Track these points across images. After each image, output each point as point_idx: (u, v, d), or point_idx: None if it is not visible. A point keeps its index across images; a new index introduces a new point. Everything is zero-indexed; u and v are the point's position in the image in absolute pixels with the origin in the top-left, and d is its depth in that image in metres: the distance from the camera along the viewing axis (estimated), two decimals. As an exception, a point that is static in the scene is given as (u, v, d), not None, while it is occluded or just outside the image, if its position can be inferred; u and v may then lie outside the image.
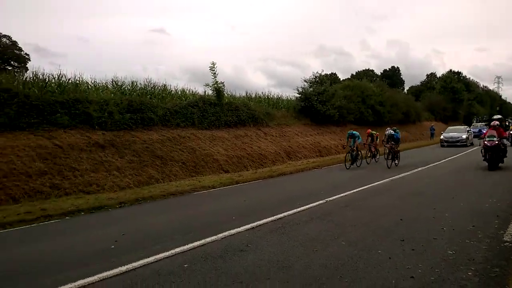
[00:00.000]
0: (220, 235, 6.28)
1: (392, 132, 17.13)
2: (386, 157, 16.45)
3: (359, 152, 17.48)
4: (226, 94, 22.09)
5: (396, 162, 16.63)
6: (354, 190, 10.50)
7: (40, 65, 48.77)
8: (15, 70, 33.99)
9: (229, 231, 6.50)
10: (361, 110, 31.29)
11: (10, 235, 7.18)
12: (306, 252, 5.34)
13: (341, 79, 57.08)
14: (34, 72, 15.67)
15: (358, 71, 73.28)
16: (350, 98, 30.62)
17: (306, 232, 6.43)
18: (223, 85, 20.63)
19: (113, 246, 5.93)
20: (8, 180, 10.34)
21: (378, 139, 19.36)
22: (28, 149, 11.55)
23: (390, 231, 6.34)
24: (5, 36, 42.01)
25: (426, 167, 16.07)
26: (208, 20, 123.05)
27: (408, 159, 19.36)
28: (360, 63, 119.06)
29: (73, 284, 4.40)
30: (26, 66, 39.08)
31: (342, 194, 9.90)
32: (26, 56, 43.58)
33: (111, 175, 12.48)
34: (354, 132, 17.40)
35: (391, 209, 8.09)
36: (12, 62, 41.12)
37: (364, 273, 4.52)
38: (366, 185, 11.33)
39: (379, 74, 73.40)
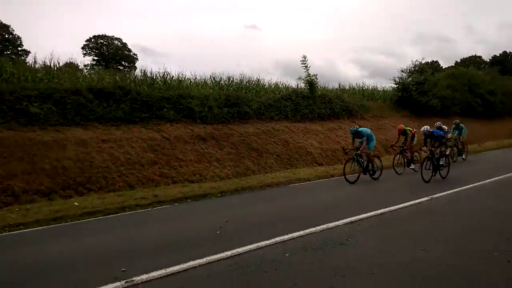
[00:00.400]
0: (318, 228, 6.30)
1: (428, 128, 11.69)
2: (422, 166, 11.29)
3: (374, 159, 12.31)
4: (318, 87, 21.90)
5: (441, 173, 11.47)
6: (467, 186, 9.71)
7: (146, 64, 53.72)
8: (126, 69, 37.70)
9: (327, 224, 6.49)
10: (468, 100, 28.59)
11: (131, 218, 8.07)
12: (411, 250, 5.11)
13: (444, 67, 52.60)
14: (143, 71, 17.29)
15: (463, 58, 66.56)
16: (454, 87, 28.20)
17: (410, 229, 6.16)
18: (316, 78, 20.50)
19: (218, 232, 6.32)
20: (125, 168, 11.60)
21: (415, 140, 14.03)
22: (141, 141, 12.80)
23: (506, 233, 5.76)
24: (117, 39, 46.92)
25: (485, 181, 10.73)
26: (298, 13, 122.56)
27: (472, 166, 14.88)
28: (465, 49, 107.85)
29: (185, 265, 4.78)
30: (135, 65, 43.18)
31: (449, 192, 9.25)
32: (135, 56, 48.16)
33: (212, 166, 13.25)
34: (362, 129, 12.23)
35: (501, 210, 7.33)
36: (123, 62, 45.73)
37: (479, 275, 4.20)
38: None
39: (488, 60, 65.99)
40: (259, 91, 20.14)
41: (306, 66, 20.03)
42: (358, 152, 11.60)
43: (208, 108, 15.72)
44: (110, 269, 4.71)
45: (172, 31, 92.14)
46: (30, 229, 7.20)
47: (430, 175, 10.97)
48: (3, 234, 6.96)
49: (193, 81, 18.81)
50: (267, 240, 5.66)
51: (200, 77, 19.58)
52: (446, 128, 14.65)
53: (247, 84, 20.42)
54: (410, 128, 14.00)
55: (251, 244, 5.49)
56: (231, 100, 16.80)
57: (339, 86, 26.09)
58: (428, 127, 11.77)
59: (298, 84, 21.53)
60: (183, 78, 18.25)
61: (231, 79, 20.07)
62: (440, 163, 11.40)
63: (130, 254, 5.39)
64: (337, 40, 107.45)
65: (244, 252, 5.22)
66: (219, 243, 5.66)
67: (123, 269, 4.66)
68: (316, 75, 20.42)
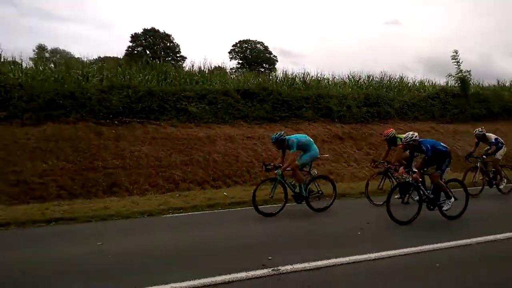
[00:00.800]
0: (474, 240, 5.67)
1: (414, 136, 7.15)
2: (390, 197, 6.93)
3: (320, 181, 8.52)
4: (472, 84, 19.67)
5: (445, 210, 7.12)
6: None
7: (285, 65, 55.89)
8: (266, 71, 39.69)
9: (484, 237, 5.78)
10: None
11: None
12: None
13: None
14: (284, 72, 18.08)
15: None
16: None
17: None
18: (469, 74, 18.47)
19: (359, 233, 6.24)
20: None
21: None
22: (281, 139, 13.40)
23: None
24: (259, 42, 49.72)
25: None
26: (445, 3, 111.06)
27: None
28: None
29: (328, 261, 4.80)
30: (275, 67, 45.09)
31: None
32: (274, 58, 50.36)
33: (349, 165, 13.11)
34: (291, 137, 8.23)
35: None
36: (264, 64, 48.24)
37: None
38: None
39: None
40: (402, 89, 19.11)
41: (457, 62, 18.26)
42: (278, 171, 7.84)
43: (346, 107, 15.59)
44: (258, 256, 5.01)
45: (309, 31, 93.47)
46: (189, 213, 8.22)
47: (416, 211, 6.92)
48: (168, 215, 8.11)
49: (332, 81, 18.91)
50: (413, 247, 5.33)
51: (338, 76, 19.59)
52: (494, 137, 10.19)
53: (388, 82, 19.57)
54: (404, 136, 8.13)
55: (394, 249, 5.26)
56: (371, 99, 16.33)
57: (498, 83, 22.99)
58: (415, 134, 7.24)
59: (447, 82, 19.74)
60: (321, 78, 18.53)
61: (371, 78, 19.52)
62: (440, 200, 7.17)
63: (275, 244, 5.72)
64: (492, 32, 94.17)
65: (388, 257, 5.03)
66: (361, 244, 5.57)
67: (269, 257, 4.92)
68: (469, 71, 18.41)
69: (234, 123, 13.78)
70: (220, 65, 20.49)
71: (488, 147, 10.19)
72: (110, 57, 21.80)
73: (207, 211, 8.42)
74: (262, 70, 40.87)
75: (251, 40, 49.57)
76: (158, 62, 18.83)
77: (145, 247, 5.69)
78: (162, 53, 42.43)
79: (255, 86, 15.57)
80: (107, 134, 11.89)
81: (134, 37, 45.02)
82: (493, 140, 10.11)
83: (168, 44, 46.54)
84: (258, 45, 49.68)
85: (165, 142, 12.15)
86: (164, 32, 46.01)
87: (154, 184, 10.81)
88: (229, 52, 49.96)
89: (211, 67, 18.39)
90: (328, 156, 12.16)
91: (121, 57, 25.67)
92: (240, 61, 48.13)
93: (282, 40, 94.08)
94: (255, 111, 14.37)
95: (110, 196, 10.02)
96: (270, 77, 19.29)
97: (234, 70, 29.34)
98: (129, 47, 44.44)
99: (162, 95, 13.51)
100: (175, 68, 17.93)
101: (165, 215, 8.08)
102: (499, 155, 10.00)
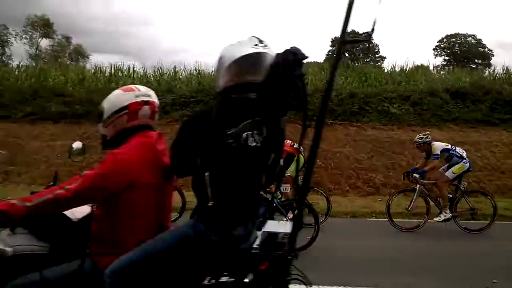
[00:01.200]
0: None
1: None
2: None
3: None
4: None
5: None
6: None
7: (505, 60, 46.91)
8: (479, 67, 34.78)
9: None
10: None
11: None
12: None
13: None
14: (505, 68, 15.59)
15: None
16: None
17: None
18: None
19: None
20: (482, 174, 10.83)
21: (301, 163, 4.57)
22: (501, 145, 11.66)
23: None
24: (471, 35, 43.92)
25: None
26: None
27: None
28: None
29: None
30: (490, 62, 39.02)
31: None
32: (489, 52, 43.61)
33: None
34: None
35: None
36: (475, 59, 42.39)
37: None
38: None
39: None
40: None
41: None
42: None
43: None
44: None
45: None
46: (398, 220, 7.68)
47: None
48: (372, 219, 8.04)
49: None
50: None
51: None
52: (442, 147, 7.06)
53: None
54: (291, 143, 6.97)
55: None
56: None
57: None
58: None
59: None
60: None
61: None
62: None
63: None
64: None
65: None
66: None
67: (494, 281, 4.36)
68: None
69: (443, 126, 12.58)
70: (424, 64, 19.13)
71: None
72: (312, 62, 23.03)
73: (413, 219, 7.78)
74: (474, 66, 35.99)
75: (461, 34, 44.27)
76: (358, 64, 18.85)
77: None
78: (361, 54, 42.27)
79: (468, 85, 13.96)
80: (311, 135, 12.58)
81: (333, 42, 46.23)
82: (437, 152, 6.98)
83: (367, 45, 46.06)
84: (469, 39, 43.95)
85: (366, 144, 12.06)
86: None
87: (354, 186, 10.89)
88: (434, 49, 45.90)
89: (414, 66, 17.35)
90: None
91: (322, 61, 26.73)
92: (447, 58, 43.56)
93: (500, 31, 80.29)
94: (468, 113, 12.84)
95: (312, 194, 10.56)
96: (486, 74, 16.90)
97: (439, 68, 26.73)
98: (329, 51, 46.01)
99: (363, 97, 13.49)
100: (375, 69, 17.65)
101: (368, 218, 8.05)
102: (451, 173, 6.94)
